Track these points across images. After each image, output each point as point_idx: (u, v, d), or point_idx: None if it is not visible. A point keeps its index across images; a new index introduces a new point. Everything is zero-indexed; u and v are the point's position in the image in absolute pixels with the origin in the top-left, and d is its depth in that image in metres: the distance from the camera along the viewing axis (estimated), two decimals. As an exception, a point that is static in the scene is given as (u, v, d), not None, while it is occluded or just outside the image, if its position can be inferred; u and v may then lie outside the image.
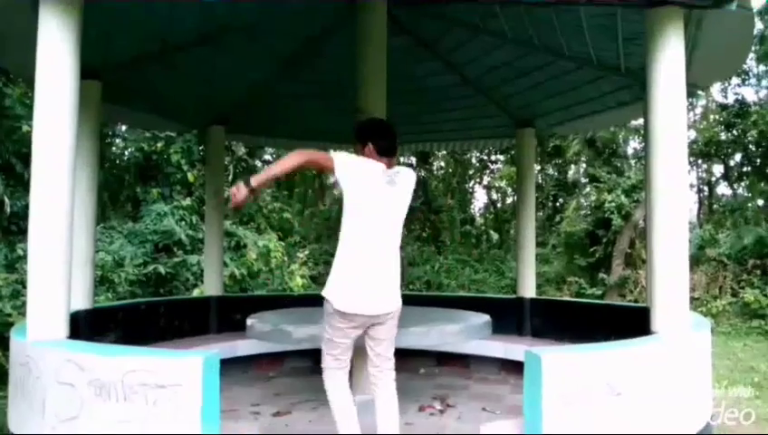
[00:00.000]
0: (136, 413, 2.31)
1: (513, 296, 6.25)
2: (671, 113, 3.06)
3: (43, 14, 2.80)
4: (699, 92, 18.01)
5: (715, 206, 17.91)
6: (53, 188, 2.78)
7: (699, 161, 17.78)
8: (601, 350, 2.62)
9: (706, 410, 3.02)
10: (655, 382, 2.58)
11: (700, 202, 19.42)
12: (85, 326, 4.25)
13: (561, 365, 2.39)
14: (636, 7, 3.34)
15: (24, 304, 6.89)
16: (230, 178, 12.94)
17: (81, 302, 4.35)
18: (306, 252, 12.32)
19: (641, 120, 7.21)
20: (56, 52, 2.80)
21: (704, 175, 19.20)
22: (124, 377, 2.32)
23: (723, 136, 15.03)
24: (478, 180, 20.38)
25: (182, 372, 2.28)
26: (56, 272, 2.78)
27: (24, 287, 7.25)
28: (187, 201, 10.50)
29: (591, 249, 14.03)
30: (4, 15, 3.43)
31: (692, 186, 19.68)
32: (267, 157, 17.02)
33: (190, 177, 11.16)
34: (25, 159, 10.22)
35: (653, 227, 3.12)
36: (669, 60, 3.02)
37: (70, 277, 2.86)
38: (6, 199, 9.29)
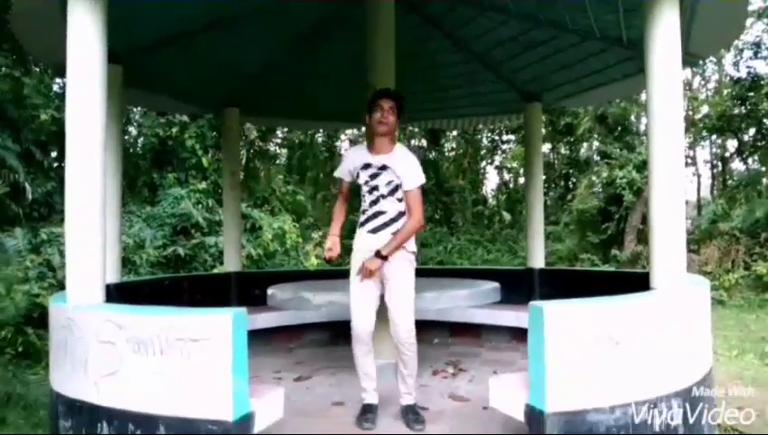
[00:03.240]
0: (172, 366, 2.51)
1: (523, 268, 6.42)
2: (668, 82, 3.18)
3: (71, 2, 2.98)
4: (714, 66, 17.95)
5: (728, 181, 17.88)
6: (87, 166, 2.97)
7: (713, 136, 17.72)
8: (599, 303, 2.79)
9: (706, 361, 3.16)
10: (652, 333, 2.73)
11: (713, 177, 19.39)
12: (114, 299, 4.47)
13: (562, 316, 2.56)
14: (632, -21, 3.46)
15: (50, 285, 7.22)
16: (243, 161, 13.20)
17: (110, 277, 4.56)
18: (320, 233, 12.53)
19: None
20: (85, 37, 2.96)
21: (717, 150, 19.14)
22: (160, 333, 2.53)
23: (735, 110, 14.97)
24: (490, 161, 20.47)
25: (214, 327, 2.48)
26: (92, 243, 2.98)
27: (50, 270, 7.58)
28: (203, 185, 10.76)
29: (604, 226, 14.12)
30: (33, 8, 3.63)
31: (706, 161, 19.67)
32: (278, 141, 17.23)
33: (205, 161, 11.41)
34: (44, 147, 10.52)
35: (652, 191, 3.25)
36: (665, 30, 3.13)
37: (104, 247, 3.07)
38: (28, 186, 9.57)
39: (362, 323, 3.30)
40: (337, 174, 3.58)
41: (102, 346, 2.68)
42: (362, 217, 3.42)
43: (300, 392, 4.04)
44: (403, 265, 3.30)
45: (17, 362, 6.24)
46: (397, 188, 3.32)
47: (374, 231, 3.34)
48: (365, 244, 3.35)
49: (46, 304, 6.53)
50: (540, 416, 2.54)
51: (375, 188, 3.34)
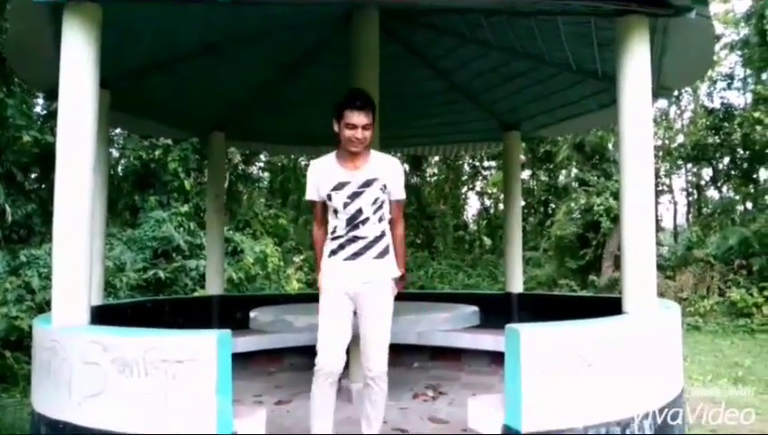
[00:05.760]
0: (156, 386, 2.55)
1: (502, 292, 6.53)
2: (638, 115, 3.33)
3: (65, 28, 3.05)
4: (689, 96, 18.44)
5: (704, 208, 18.27)
6: (77, 189, 3.04)
7: (689, 165, 18.15)
8: (573, 326, 2.90)
9: (676, 383, 3.27)
10: (624, 355, 2.84)
11: (689, 205, 19.81)
12: (97, 321, 4.46)
13: (537, 338, 2.66)
14: (605, 17, 3.63)
15: (28, 308, 7.15)
16: (225, 184, 13.24)
17: (93, 299, 4.56)
18: (302, 257, 12.56)
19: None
20: (78, 63, 3.04)
21: (693, 179, 19.57)
22: (145, 354, 2.58)
23: (710, 140, 15.39)
24: (471, 187, 20.74)
25: (198, 348, 2.54)
26: (79, 265, 3.02)
27: (29, 292, 7.51)
28: (185, 208, 10.76)
29: (582, 252, 14.33)
30: (26, 35, 3.71)
31: (682, 189, 20.12)
32: (261, 164, 17.30)
33: (187, 184, 11.43)
34: (25, 169, 10.48)
35: (624, 219, 3.37)
36: (636, 65, 3.30)
37: (90, 271, 3.11)
38: (8, 208, 9.50)
39: (337, 362, 2.93)
40: (309, 197, 3.08)
41: (87, 367, 2.71)
42: (333, 244, 3.01)
43: (281, 416, 4.07)
44: (386, 294, 3.02)
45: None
46: (381, 205, 2.98)
47: (353, 257, 2.97)
48: (342, 273, 2.98)
49: (24, 327, 6.51)
50: (516, 436, 2.62)
51: (358, 211, 2.94)
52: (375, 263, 2.99)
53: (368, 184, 2.95)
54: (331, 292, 2.99)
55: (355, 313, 3.05)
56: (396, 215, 3.09)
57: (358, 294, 2.99)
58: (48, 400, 2.93)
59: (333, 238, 3.02)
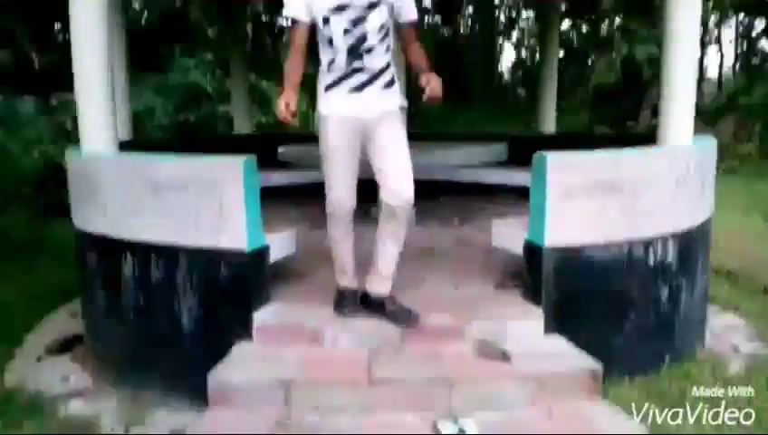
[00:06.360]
0: (188, 204, 2.65)
1: (534, 133, 6.37)
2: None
3: None
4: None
5: (753, 60, 17.40)
6: (92, 24, 2.97)
7: (741, 15, 17.08)
8: (602, 153, 2.88)
9: (705, 210, 3.21)
10: (652, 181, 2.81)
11: (737, 56, 18.96)
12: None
13: (564, 164, 2.65)
14: None
15: (64, 146, 7.35)
16: (250, 33, 12.91)
17: (121, 134, 4.61)
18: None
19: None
20: None
21: (743, 30, 18.54)
22: (175, 176, 2.67)
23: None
24: (507, 37, 19.92)
25: (226, 170, 2.62)
26: (102, 97, 3.03)
27: (63, 135, 7.65)
28: (210, 56, 10.66)
29: (620, 101, 13.92)
30: None
31: (730, 41, 19.11)
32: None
33: (210, 33, 11.24)
34: (50, 19, 10.29)
35: (665, 50, 3.14)
36: None
37: (113, 98, 3.12)
38: (33, 55, 9.51)
39: (350, 200, 2.66)
40: (293, 12, 2.55)
41: (121, 189, 2.83)
42: (330, 77, 2.58)
43: (313, 238, 4.09)
44: (399, 123, 2.65)
45: (42, 215, 6.53)
46: (388, 32, 2.55)
47: (359, 89, 2.56)
48: (348, 105, 2.58)
49: (63, 163, 6.72)
50: (538, 251, 2.68)
51: (361, 39, 2.49)
52: (384, 93, 2.61)
53: (373, 6, 2.48)
54: (336, 126, 2.59)
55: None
56: (409, 39, 2.63)
57: (367, 126, 2.59)
58: (88, 219, 3.05)
59: (330, 71, 2.58)
